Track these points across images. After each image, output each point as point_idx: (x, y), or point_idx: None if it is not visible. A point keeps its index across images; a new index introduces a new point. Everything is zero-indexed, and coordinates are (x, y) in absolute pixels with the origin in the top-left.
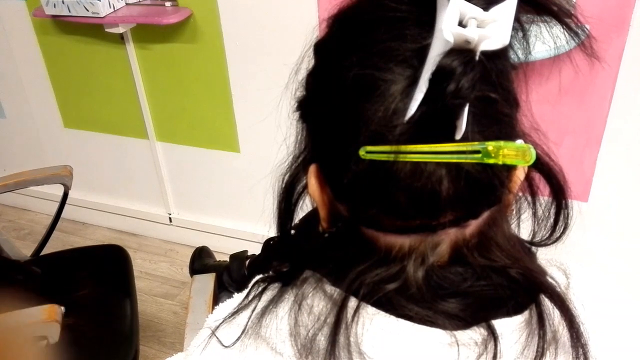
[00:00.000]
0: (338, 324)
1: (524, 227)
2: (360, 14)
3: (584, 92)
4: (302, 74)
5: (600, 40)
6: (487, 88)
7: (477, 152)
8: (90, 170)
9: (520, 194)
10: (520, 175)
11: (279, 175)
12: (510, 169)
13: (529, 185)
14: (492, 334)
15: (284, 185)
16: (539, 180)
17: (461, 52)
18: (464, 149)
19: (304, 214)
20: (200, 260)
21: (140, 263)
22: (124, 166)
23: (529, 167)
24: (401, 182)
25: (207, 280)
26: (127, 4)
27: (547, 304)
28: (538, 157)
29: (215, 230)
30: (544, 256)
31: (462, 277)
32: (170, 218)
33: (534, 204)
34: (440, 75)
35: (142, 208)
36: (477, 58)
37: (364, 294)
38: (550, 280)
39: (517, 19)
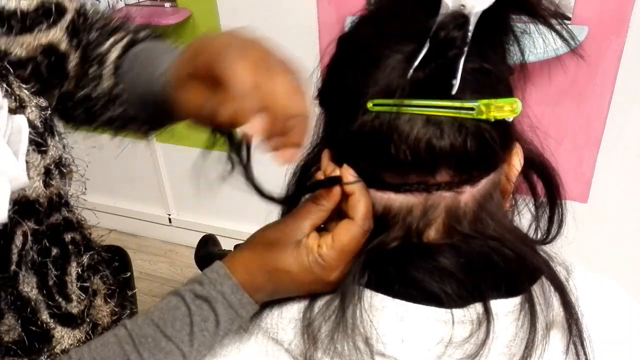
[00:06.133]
0: (343, 310)
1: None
2: (376, 13)
3: (584, 93)
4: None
5: (599, 41)
6: (482, 60)
7: (472, 109)
8: (89, 170)
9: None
10: (516, 163)
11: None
12: (507, 143)
13: (527, 182)
14: (487, 313)
15: (299, 166)
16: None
17: (457, 15)
18: (459, 105)
19: None
20: (206, 248)
21: (140, 264)
22: (123, 167)
23: (526, 166)
24: (400, 134)
25: None
26: (126, 4)
27: (546, 288)
28: (533, 157)
29: (215, 230)
30: None
31: (458, 254)
32: (169, 219)
33: (533, 202)
34: (439, 35)
35: (141, 209)
36: (470, 20)
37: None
38: (552, 265)
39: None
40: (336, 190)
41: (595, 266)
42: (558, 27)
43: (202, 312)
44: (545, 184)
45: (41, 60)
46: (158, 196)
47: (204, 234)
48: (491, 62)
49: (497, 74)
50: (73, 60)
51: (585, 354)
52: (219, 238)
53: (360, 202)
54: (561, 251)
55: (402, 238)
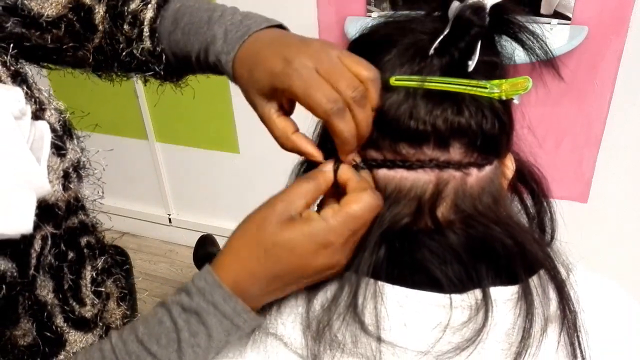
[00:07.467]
0: (355, 302)
1: None
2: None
3: (584, 93)
4: None
5: (599, 41)
6: (492, 55)
7: (486, 87)
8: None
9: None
10: (510, 165)
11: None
12: (511, 132)
13: (516, 193)
14: (485, 297)
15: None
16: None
17: (474, 4)
18: (475, 83)
19: None
20: (204, 248)
21: (140, 264)
22: (123, 167)
23: (515, 176)
24: (422, 107)
25: None
26: None
27: (545, 280)
28: (522, 168)
29: (215, 230)
30: None
31: (461, 236)
32: (169, 219)
33: (524, 206)
34: (459, 18)
35: (141, 209)
36: (486, 8)
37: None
38: (552, 256)
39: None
40: (328, 169)
41: (595, 266)
42: (531, 44)
43: (190, 326)
44: (530, 189)
45: (72, 17)
46: (158, 196)
47: (201, 235)
48: (498, 58)
49: (502, 68)
50: (99, 12)
51: (580, 348)
52: (218, 238)
53: (363, 179)
54: (561, 251)
55: (413, 214)
